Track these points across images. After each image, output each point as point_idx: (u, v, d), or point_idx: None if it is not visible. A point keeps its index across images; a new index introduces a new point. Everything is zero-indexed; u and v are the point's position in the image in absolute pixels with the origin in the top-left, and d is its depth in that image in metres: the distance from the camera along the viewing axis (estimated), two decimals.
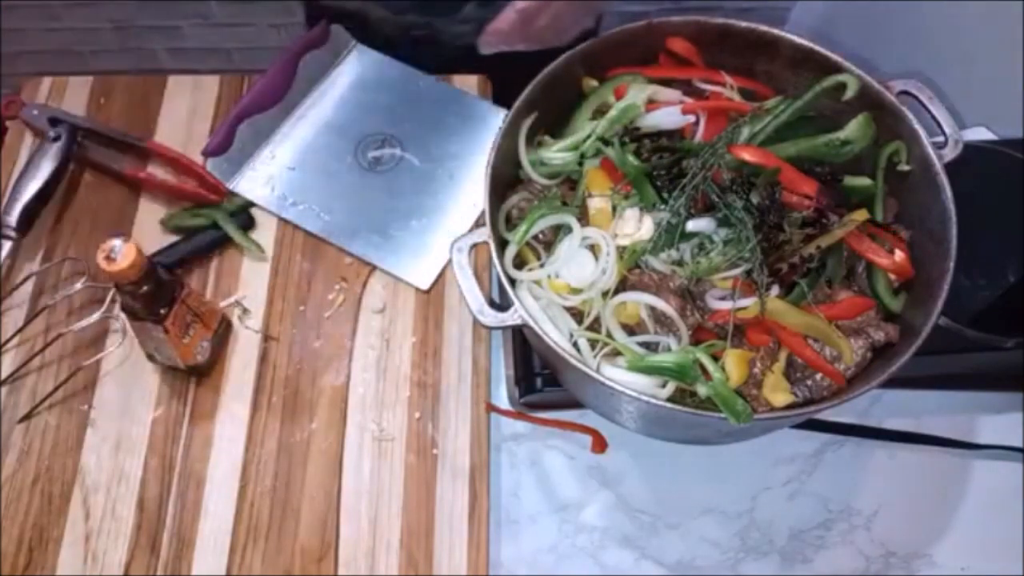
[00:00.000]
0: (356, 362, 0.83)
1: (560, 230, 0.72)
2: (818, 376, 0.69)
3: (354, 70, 0.98)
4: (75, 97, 0.96)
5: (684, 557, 0.79)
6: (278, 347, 0.84)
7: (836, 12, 1.61)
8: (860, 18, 1.51)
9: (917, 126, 0.72)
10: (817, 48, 0.75)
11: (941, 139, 0.72)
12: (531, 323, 0.65)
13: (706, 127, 0.75)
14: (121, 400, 0.81)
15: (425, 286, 0.86)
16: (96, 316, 0.80)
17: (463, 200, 0.91)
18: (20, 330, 0.83)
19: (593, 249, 0.70)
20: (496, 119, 0.95)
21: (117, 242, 0.67)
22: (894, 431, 0.83)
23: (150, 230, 0.89)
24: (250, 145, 0.93)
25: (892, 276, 0.72)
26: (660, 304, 0.67)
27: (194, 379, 0.82)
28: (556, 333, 0.68)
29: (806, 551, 0.79)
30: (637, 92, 0.75)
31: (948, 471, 0.83)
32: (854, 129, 0.74)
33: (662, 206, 0.70)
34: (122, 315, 0.75)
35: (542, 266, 0.71)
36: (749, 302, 0.67)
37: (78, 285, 0.82)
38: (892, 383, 0.64)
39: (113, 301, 0.81)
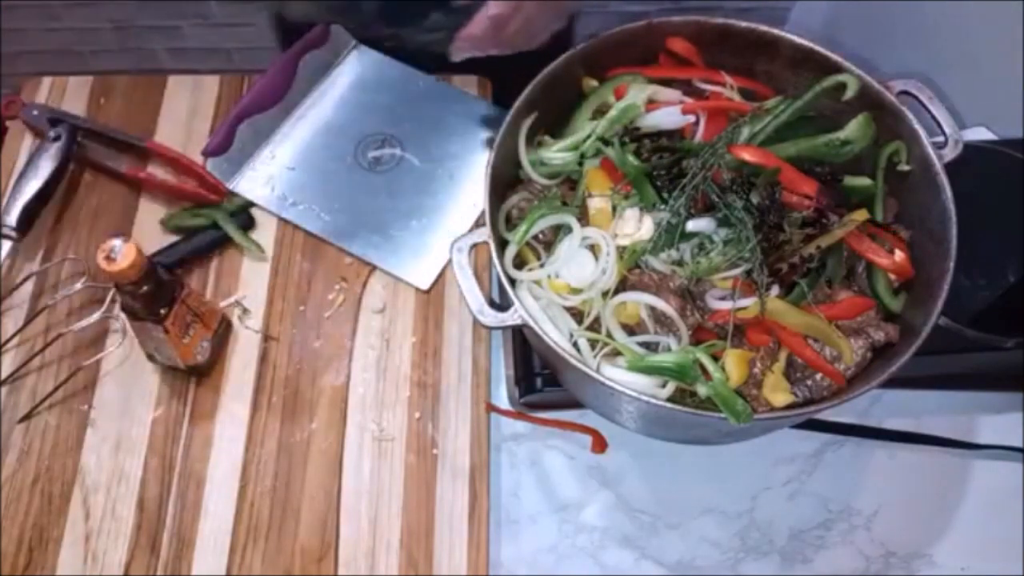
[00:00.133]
0: (356, 362, 0.83)
1: (560, 230, 0.72)
2: (818, 376, 0.69)
3: (354, 70, 0.98)
4: (75, 97, 0.96)
5: (684, 557, 0.79)
6: (278, 347, 0.84)
7: (836, 12, 1.61)
8: (860, 18, 1.51)
9: (917, 126, 0.72)
10: (817, 48, 0.75)
11: (941, 139, 0.72)
12: (531, 323, 0.65)
13: (706, 127, 0.75)
14: (121, 400, 0.81)
15: (425, 286, 0.86)
16: (96, 316, 0.80)
17: (463, 200, 0.91)
18: (20, 330, 0.83)
19: (593, 249, 0.70)
20: (496, 119, 0.95)
21: (117, 242, 0.67)
22: (894, 431, 0.83)
23: (150, 230, 0.89)
24: (250, 145, 0.93)
25: (892, 276, 0.72)
26: (660, 304, 0.67)
27: (194, 379, 0.82)
28: (556, 333, 0.68)
29: (806, 551, 0.79)
30: (637, 92, 0.75)
31: (948, 471, 0.83)
32: (854, 129, 0.74)
33: (662, 206, 0.70)
34: (122, 315, 0.75)
35: (542, 266, 0.71)
36: (749, 302, 0.67)
37: (78, 285, 0.82)
38: (892, 383, 0.64)
39: (113, 301, 0.81)
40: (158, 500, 0.77)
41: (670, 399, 0.65)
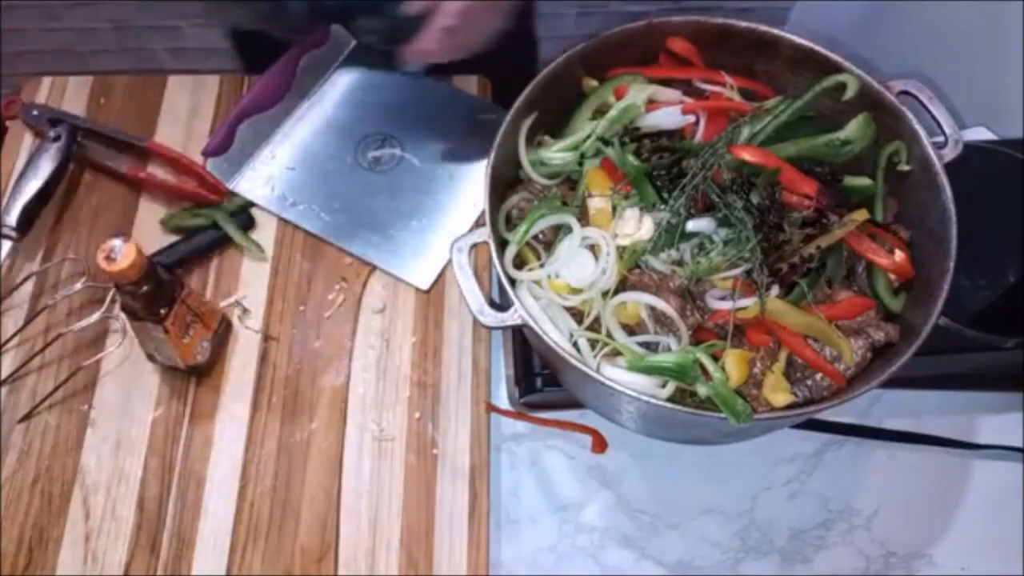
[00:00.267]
0: (356, 362, 0.83)
1: (560, 230, 0.72)
2: (818, 376, 0.69)
3: (354, 70, 0.98)
4: (75, 97, 0.96)
5: (684, 557, 0.79)
6: (278, 347, 0.84)
7: (836, 12, 1.61)
8: (860, 18, 1.51)
9: (917, 126, 0.72)
10: (817, 48, 0.75)
11: (941, 139, 0.72)
12: (531, 323, 0.65)
13: (706, 127, 0.75)
14: (121, 400, 0.81)
15: (425, 286, 0.86)
16: (96, 316, 0.80)
17: (463, 200, 0.91)
18: (20, 330, 0.83)
19: (593, 249, 0.70)
20: (496, 119, 0.94)
21: (117, 242, 0.67)
22: (894, 431, 0.83)
23: (150, 230, 0.89)
24: (250, 145, 0.93)
25: (892, 276, 0.72)
26: (660, 304, 0.67)
27: (194, 379, 0.82)
28: (556, 333, 0.68)
29: (806, 551, 0.79)
30: (637, 92, 0.75)
31: (948, 471, 0.83)
32: (854, 129, 0.74)
33: (662, 206, 0.70)
34: (122, 315, 0.75)
35: (542, 266, 0.71)
36: (749, 302, 0.67)
37: (78, 285, 0.82)
38: (892, 383, 0.64)
39: (113, 301, 0.81)
40: (158, 500, 0.77)
41: (670, 399, 0.65)
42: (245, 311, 0.85)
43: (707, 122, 0.75)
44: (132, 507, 0.77)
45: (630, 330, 0.69)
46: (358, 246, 0.88)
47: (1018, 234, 0.85)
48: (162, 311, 0.73)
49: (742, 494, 0.81)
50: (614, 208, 0.72)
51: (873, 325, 0.70)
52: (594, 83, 0.79)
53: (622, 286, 0.70)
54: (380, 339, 0.84)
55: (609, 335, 0.68)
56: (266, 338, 0.84)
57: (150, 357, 0.82)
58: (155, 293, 0.71)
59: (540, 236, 0.74)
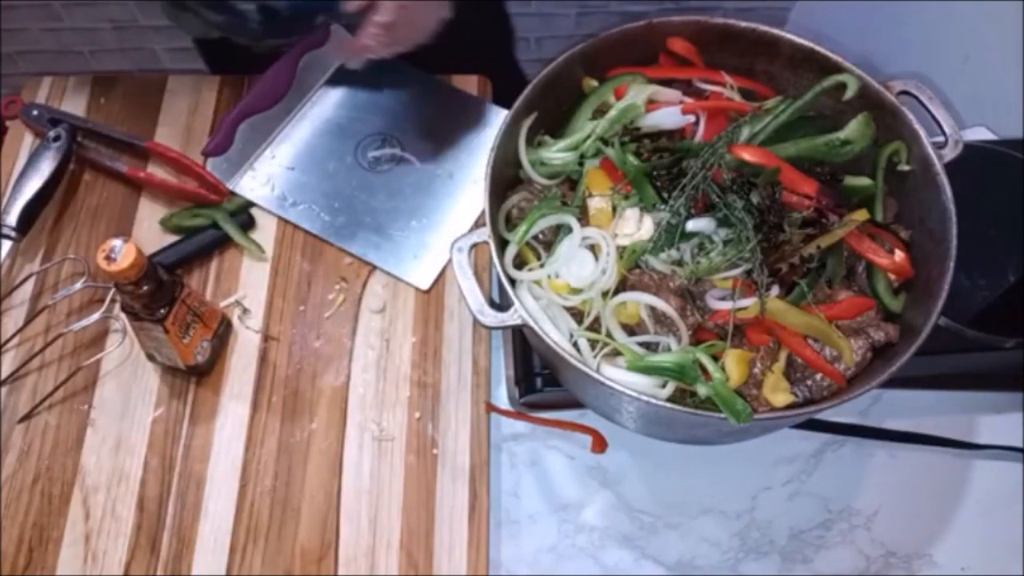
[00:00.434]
0: (356, 362, 0.83)
1: (560, 230, 0.72)
2: (818, 376, 0.69)
3: (354, 70, 0.98)
4: (75, 97, 0.96)
5: (684, 557, 0.79)
6: (278, 347, 0.84)
7: (836, 12, 1.61)
8: (860, 18, 1.50)
9: (917, 126, 0.72)
10: (817, 48, 0.75)
11: (941, 139, 0.72)
12: (531, 323, 0.65)
13: (706, 127, 0.75)
14: (121, 400, 0.81)
15: (425, 286, 0.86)
16: (96, 316, 0.80)
17: (463, 200, 0.91)
18: (20, 330, 0.83)
19: (593, 249, 0.70)
20: (496, 119, 0.95)
21: (117, 242, 0.67)
22: (894, 431, 0.83)
23: (150, 230, 0.89)
24: (250, 145, 0.93)
25: (892, 276, 0.72)
26: (660, 304, 0.67)
27: (194, 379, 0.82)
28: (556, 333, 0.68)
29: (806, 551, 0.79)
30: (637, 92, 0.75)
31: (948, 471, 0.83)
32: (854, 129, 0.74)
33: (662, 206, 0.70)
34: (122, 315, 0.75)
35: (542, 266, 0.71)
36: (749, 302, 0.67)
37: (78, 285, 0.82)
38: (892, 383, 0.64)
39: (113, 301, 0.81)
40: (158, 500, 0.77)
41: (670, 399, 0.65)
42: (245, 311, 0.85)
43: (707, 122, 0.75)
44: (132, 507, 0.77)
45: (630, 330, 0.69)
46: (358, 246, 0.88)
47: (1018, 234, 0.85)
48: (162, 311, 0.73)
49: (742, 494, 0.81)
50: (614, 208, 0.72)
51: (873, 325, 0.70)
52: (594, 83, 0.79)
53: (622, 286, 0.70)
54: (380, 339, 0.84)
55: (609, 335, 0.68)
56: (266, 338, 0.84)
57: (150, 357, 0.82)
58: (155, 293, 0.72)
59: (540, 236, 0.74)
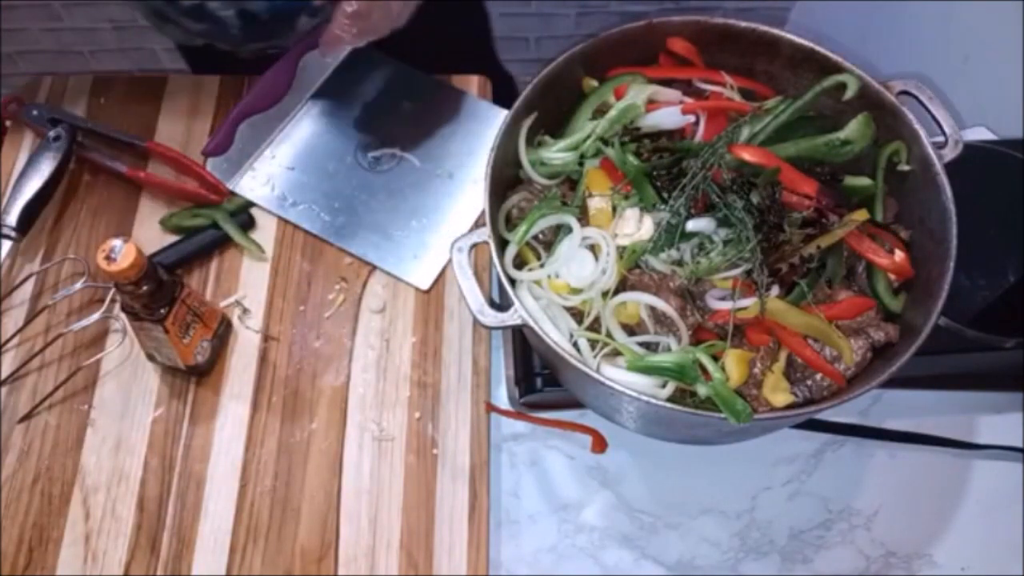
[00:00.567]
0: (356, 362, 0.83)
1: (560, 230, 0.72)
2: (818, 376, 0.69)
3: (353, 70, 0.98)
4: (75, 97, 0.96)
5: (684, 557, 0.79)
6: (278, 347, 0.84)
7: (836, 12, 1.61)
8: (860, 18, 1.50)
9: (917, 126, 0.72)
10: (817, 48, 0.75)
11: (941, 139, 0.72)
12: (531, 323, 0.65)
13: (706, 127, 0.75)
14: (121, 400, 0.81)
15: (425, 286, 0.86)
16: (96, 316, 0.80)
17: (463, 200, 0.91)
18: (20, 330, 0.83)
19: (593, 249, 0.70)
20: (496, 119, 0.95)
21: (117, 242, 0.67)
22: (894, 431, 0.83)
23: (150, 230, 0.89)
24: (250, 145, 0.93)
25: (892, 276, 0.72)
26: (660, 304, 0.67)
27: (194, 379, 0.82)
28: (556, 333, 0.68)
29: (806, 551, 0.79)
30: (637, 92, 0.75)
31: (948, 471, 0.83)
32: (854, 129, 0.74)
33: (662, 206, 0.70)
34: (122, 315, 0.75)
35: (542, 266, 0.71)
36: (749, 302, 0.67)
37: (78, 285, 0.82)
38: (892, 383, 0.64)
39: (113, 301, 0.81)
40: (158, 500, 0.77)
41: (670, 399, 0.65)
42: (245, 311, 0.85)
43: (707, 122, 0.75)
44: (132, 507, 0.77)
45: (630, 330, 0.69)
46: (358, 246, 0.88)
47: (1018, 234, 0.85)
48: (162, 311, 0.73)
49: (742, 494, 0.81)
50: (614, 208, 0.72)
51: (873, 325, 0.70)
52: (594, 83, 0.79)
53: (622, 286, 0.70)
54: (380, 339, 0.84)
55: (609, 335, 0.68)
56: (266, 338, 0.84)
57: (150, 357, 0.82)
58: (155, 293, 0.72)
59: (540, 236, 0.74)
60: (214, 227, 0.88)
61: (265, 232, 0.90)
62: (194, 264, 0.87)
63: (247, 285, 0.87)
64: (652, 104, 0.75)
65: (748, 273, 0.68)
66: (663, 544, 0.79)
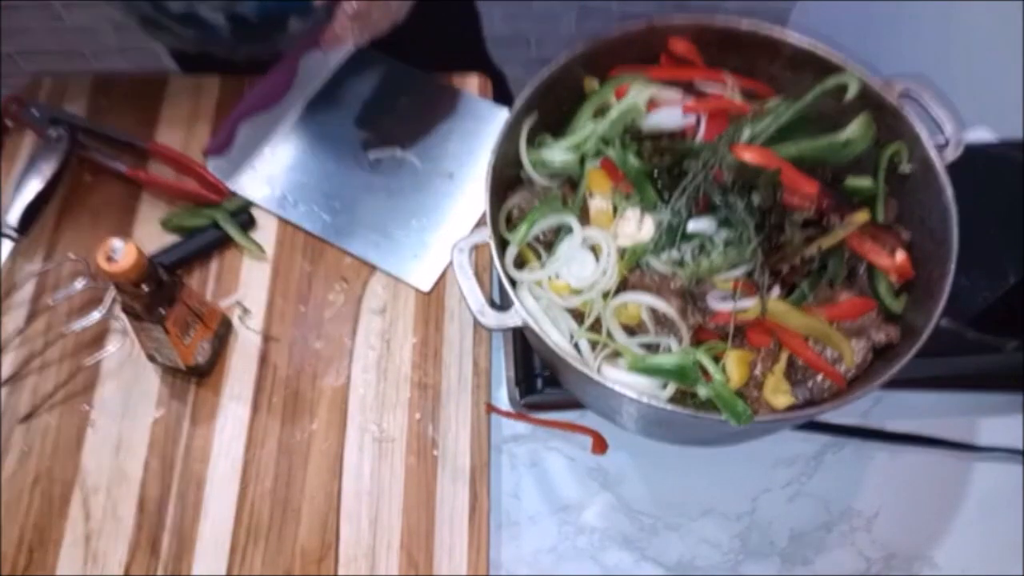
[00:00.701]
0: (356, 363, 0.83)
1: (561, 230, 0.72)
2: (819, 377, 0.69)
3: (354, 70, 0.98)
4: (75, 97, 0.96)
5: (684, 558, 0.79)
6: (278, 348, 0.84)
7: (836, 12, 1.61)
8: (860, 18, 1.51)
9: (918, 127, 0.72)
10: (818, 49, 0.75)
11: (942, 140, 0.72)
12: (532, 324, 0.65)
13: (707, 127, 0.74)
14: (121, 401, 0.81)
15: (426, 287, 0.86)
16: (96, 316, 0.80)
17: (463, 200, 0.91)
18: (21, 331, 0.83)
19: (594, 250, 0.70)
20: (497, 119, 0.95)
21: (118, 242, 0.67)
22: (895, 433, 0.83)
23: (150, 230, 0.89)
24: (250, 145, 0.93)
25: (893, 277, 0.72)
26: (661, 305, 0.67)
27: (194, 379, 0.82)
28: (556, 334, 0.68)
29: (807, 552, 0.79)
30: (638, 92, 0.75)
31: (949, 473, 0.83)
32: (855, 130, 0.73)
33: (663, 206, 0.70)
34: (122, 315, 0.75)
35: (543, 267, 0.71)
36: (750, 303, 0.67)
37: (78, 285, 0.82)
38: (893, 384, 0.64)
39: (113, 301, 0.81)
40: (158, 501, 0.77)
41: (670, 400, 0.65)
42: (245, 311, 0.85)
43: (708, 122, 0.75)
44: (132, 508, 0.77)
45: (631, 331, 0.69)
46: (358, 246, 0.88)
47: (1019, 235, 0.85)
48: (162, 311, 0.73)
49: (743, 495, 0.81)
50: (615, 208, 0.72)
51: (874, 326, 0.70)
52: (595, 83, 0.78)
53: (623, 287, 0.70)
54: (380, 340, 0.84)
55: (610, 336, 0.68)
56: (266, 339, 0.84)
57: (150, 358, 0.82)
58: (155, 293, 0.71)
59: (541, 237, 0.74)
60: (214, 227, 0.88)
61: (265, 232, 0.89)
62: (194, 264, 0.87)
63: (247, 285, 0.87)
64: (653, 104, 0.75)
65: (749, 274, 0.67)
66: (663, 545, 0.79)
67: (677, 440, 0.78)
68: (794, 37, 0.76)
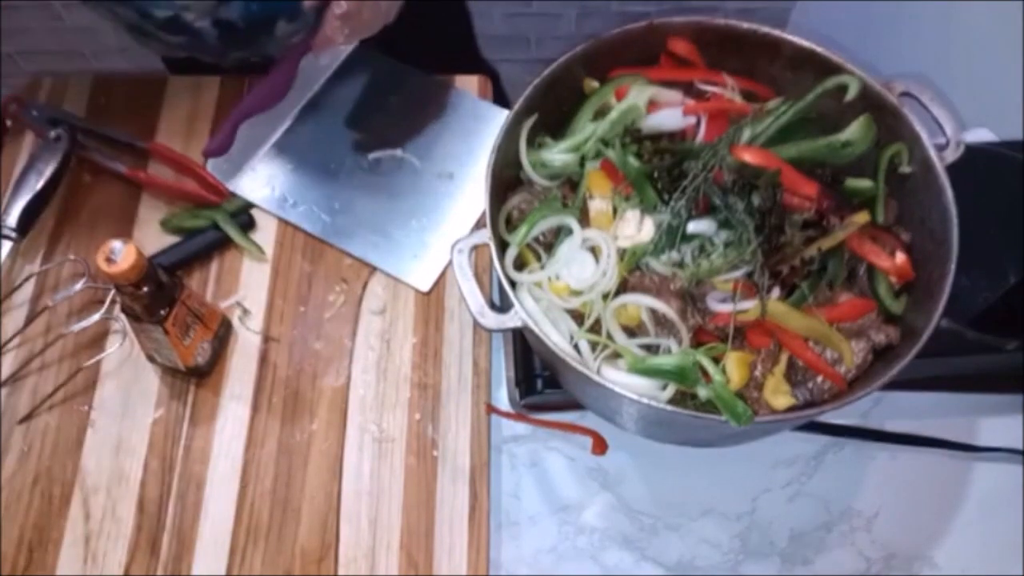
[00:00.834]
0: (356, 363, 0.83)
1: (561, 232, 0.72)
2: (819, 378, 0.69)
3: (354, 70, 0.98)
4: (75, 97, 0.96)
5: (684, 558, 0.79)
6: (278, 348, 0.84)
7: (836, 12, 1.61)
8: (860, 18, 1.50)
9: (918, 128, 0.72)
10: (818, 49, 0.75)
11: (942, 140, 0.72)
12: (531, 325, 0.65)
13: (707, 128, 0.74)
14: (121, 401, 0.81)
15: (425, 288, 0.86)
16: (96, 317, 0.80)
17: (463, 201, 0.91)
18: (20, 331, 0.83)
19: (594, 251, 0.70)
20: (496, 119, 0.95)
21: (117, 243, 0.67)
22: (895, 433, 0.83)
23: (150, 231, 0.89)
24: (250, 146, 0.93)
25: (893, 278, 0.72)
26: (660, 306, 0.67)
27: (194, 380, 0.82)
28: (556, 335, 0.68)
29: (807, 553, 0.79)
30: (638, 93, 0.75)
31: (949, 473, 0.83)
32: (855, 131, 0.73)
33: (663, 208, 0.70)
34: (122, 316, 0.75)
35: (543, 268, 0.71)
36: (750, 304, 0.67)
37: (78, 286, 0.82)
38: (893, 385, 0.64)
39: (113, 302, 0.81)
40: (158, 501, 0.77)
41: (670, 401, 0.65)
42: (245, 312, 0.85)
43: (708, 123, 0.74)
44: (132, 508, 0.77)
45: (631, 332, 0.69)
46: (358, 247, 0.88)
47: (1019, 236, 0.85)
48: (162, 312, 0.73)
49: (743, 496, 0.81)
50: (615, 210, 0.72)
51: (874, 327, 0.70)
52: (595, 84, 0.78)
53: (622, 288, 0.70)
54: (380, 340, 0.84)
55: (609, 337, 0.68)
56: (266, 339, 0.84)
57: (150, 358, 0.82)
58: (155, 294, 0.71)
59: (541, 238, 0.74)
60: (214, 228, 0.88)
61: (265, 233, 0.89)
62: (194, 265, 0.87)
63: (247, 286, 0.87)
64: (653, 105, 0.75)
65: (749, 275, 0.67)
66: (663, 545, 0.79)
67: (677, 440, 0.78)
68: (794, 38, 0.75)
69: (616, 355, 0.68)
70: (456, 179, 0.92)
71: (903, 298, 0.72)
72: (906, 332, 0.70)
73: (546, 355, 0.70)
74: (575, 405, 0.80)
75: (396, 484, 0.78)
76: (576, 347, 0.69)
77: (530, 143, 0.76)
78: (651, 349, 0.68)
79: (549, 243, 0.74)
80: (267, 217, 0.90)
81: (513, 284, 0.70)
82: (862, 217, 0.71)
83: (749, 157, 0.70)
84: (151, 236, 0.88)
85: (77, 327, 0.81)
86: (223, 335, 0.83)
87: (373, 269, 0.88)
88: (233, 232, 0.87)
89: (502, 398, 0.84)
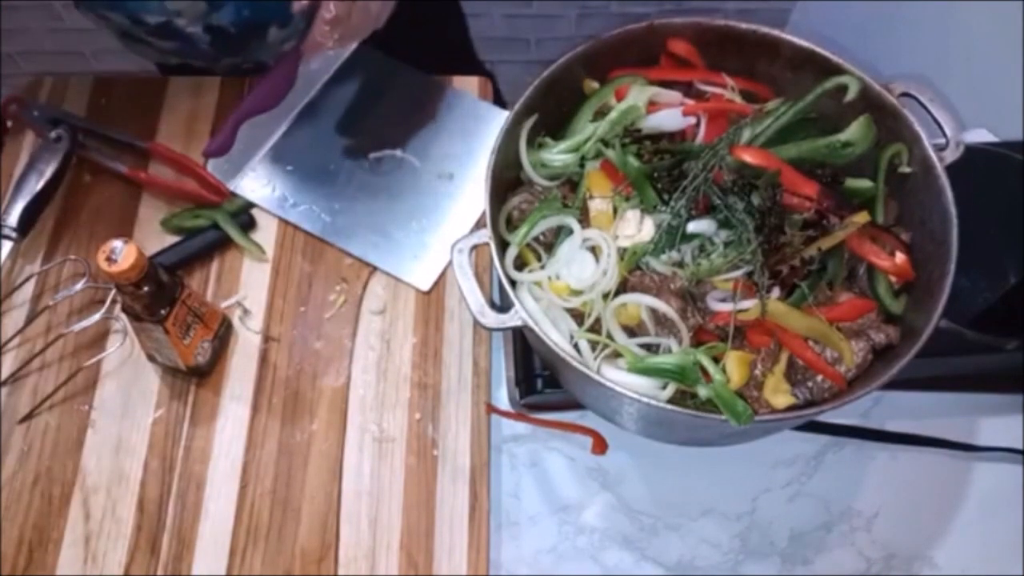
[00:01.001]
0: (356, 363, 0.83)
1: (561, 231, 0.72)
2: (819, 378, 0.69)
3: (354, 70, 0.98)
4: (76, 97, 0.96)
5: (684, 558, 0.79)
6: (278, 348, 0.84)
7: (836, 13, 1.61)
8: (860, 18, 1.51)
9: (918, 128, 0.72)
10: (818, 50, 0.75)
11: (942, 141, 0.72)
12: (532, 324, 0.65)
13: (707, 129, 0.75)
14: (122, 401, 0.81)
15: (425, 287, 0.86)
16: (97, 317, 0.80)
17: (463, 201, 0.91)
18: (21, 331, 0.83)
19: (594, 251, 0.70)
20: (496, 120, 0.95)
21: (118, 243, 0.67)
22: (895, 433, 0.83)
23: (151, 231, 0.89)
24: (251, 146, 0.93)
25: (893, 278, 0.72)
26: (661, 306, 0.67)
27: (195, 380, 0.82)
28: (556, 334, 0.68)
29: (807, 552, 0.79)
30: (638, 94, 0.75)
31: (949, 473, 0.83)
32: (855, 131, 0.73)
33: (663, 208, 0.70)
34: (123, 316, 0.75)
35: (543, 267, 0.71)
36: (750, 304, 0.67)
37: (79, 286, 0.82)
38: (893, 385, 0.64)
39: (114, 302, 0.81)
40: (158, 501, 0.77)
41: (670, 401, 0.65)
42: (246, 312, 0.85)
43: (708, 124, 0.75)
44: (132, 508, 0.77)
45: (631, 331, 0.69)
46: (358, 247, 0.88)
47: (1019, 236, 0.85)
48: (163, 312, 0.73)
49: (743, 495, 0.81)
50: (615, 210, 0.72)
51: (874, 327, 0.70)
52: (595, 84, 0.79)
53: (623, 288, 0.70)
54: (380, 340, 0.84)
55: (609, 337, 0.68)
56: (266, 339, 0.84)
57: (151, 358, 0.82)
58: (155, 294, 0.71)
59: (541, 237, 0.74)
60: (215, 228, 0.88)
61: (266, 233, 0.90)
62: (195, 265, 0.87)
63: (248, 286, 0.87)
64: (653, 106, 0.75)
65: (749, 275, 0.68)
66: (663, 545, 0.79)
67: (677, 440, 0.78)
68: (794, 38, 0.76)
69: (616, 354, 0.68)
70: (456, 179, 0.92)
71: (903, 298, 0.72)
72: (906, 332, 0.70)
73: (546, 354, 0.70)
74: (575, 405, 0.80)
75: (396, 484, 0.78)
76: (576, 346, 0.69)
77: (530, 143, 0.76)
78: (651, 348, 0.68)
79: (549, 243, 0.74)
80: (267, 217, 0.90)
81: (513, 283, 0.70)
82: (862, 217, 0.71)
83: (749, 157, 0.70)
84: (151, 236, 0.88)
85: (77, 327, 0.81)
86: (223, 335, 0.83)
87: (373, 269, 0.88)
88: (233, 232, 0.87)
89: (502, 398, 0.84)
